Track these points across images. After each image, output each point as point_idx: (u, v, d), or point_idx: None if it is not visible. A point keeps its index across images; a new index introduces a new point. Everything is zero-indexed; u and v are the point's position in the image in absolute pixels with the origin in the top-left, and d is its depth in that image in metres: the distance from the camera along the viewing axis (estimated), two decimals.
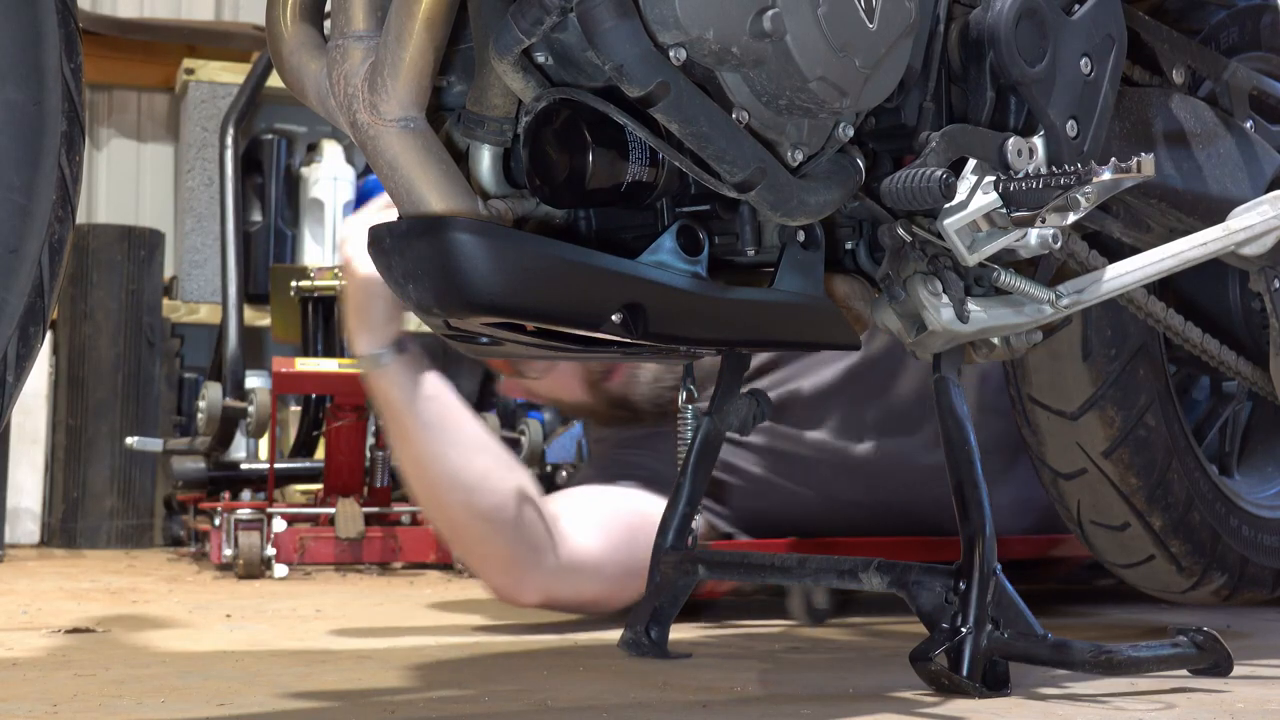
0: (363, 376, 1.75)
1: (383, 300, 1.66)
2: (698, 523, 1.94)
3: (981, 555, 1.37)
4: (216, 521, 2.82)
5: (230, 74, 4.00)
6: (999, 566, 1.38)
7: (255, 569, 2.69)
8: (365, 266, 1.59)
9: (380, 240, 1.19)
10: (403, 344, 1.71)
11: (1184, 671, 1.43)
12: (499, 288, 1.17)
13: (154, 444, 3.05)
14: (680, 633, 1.76)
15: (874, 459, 2.11)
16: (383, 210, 1.62)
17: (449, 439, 1.73)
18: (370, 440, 2.84)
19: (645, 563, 1.83)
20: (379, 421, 3.06)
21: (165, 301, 3.89)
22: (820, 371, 2.13)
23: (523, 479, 1.79)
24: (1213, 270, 1.92)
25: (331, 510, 2.79)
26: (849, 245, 1.46)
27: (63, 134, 1.01)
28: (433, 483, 1.76)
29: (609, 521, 1.90)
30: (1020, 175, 1.37)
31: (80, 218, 1.84)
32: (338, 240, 1.68)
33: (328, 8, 1.26)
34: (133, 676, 1.50)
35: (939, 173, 1.30)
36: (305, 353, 3.04)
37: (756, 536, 2.05)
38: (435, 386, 1.72)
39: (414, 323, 1.77)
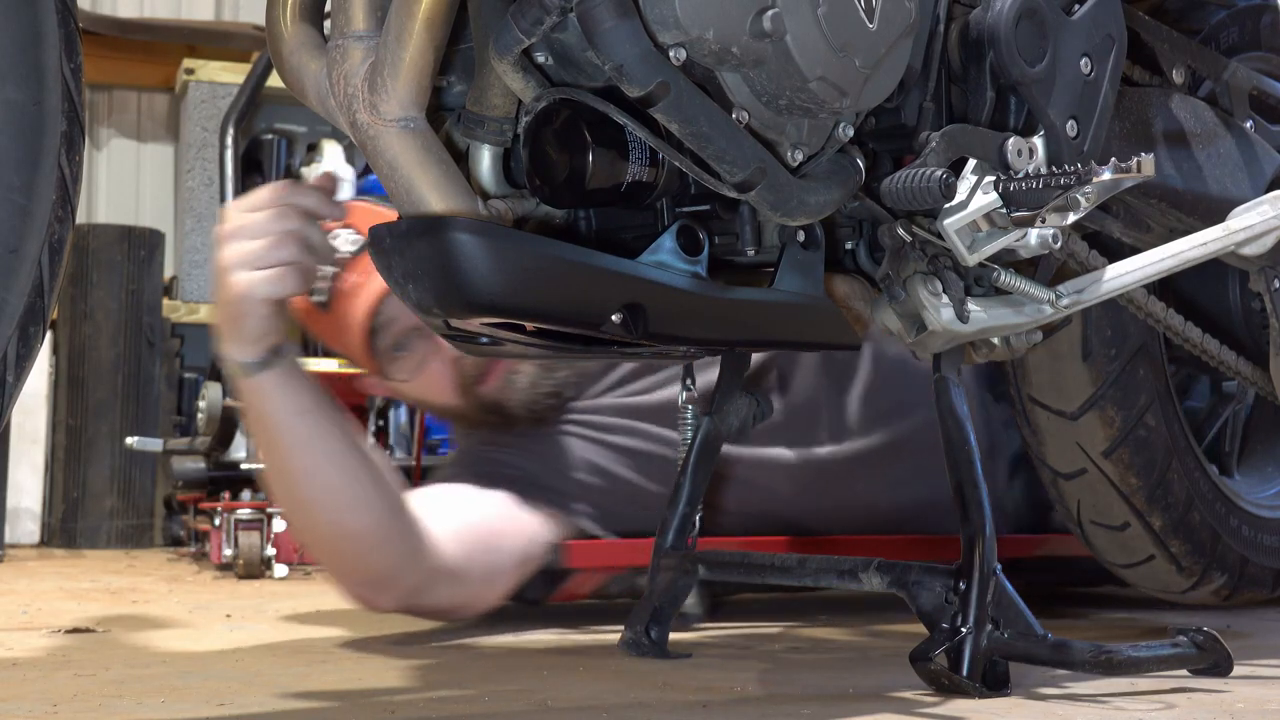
0: (238, 382, 1.64)
1: (258, 303, 1.54)
2: (560, 525, 1.93)
3: (981, 555, 1.37)
4: (216, 521, 2.82)
5: (230, 74, 4.00)
6: (999, 566, 1.38)
7: (255, 569, 2.69)
8: (238, 266, 1.50)
9: (380, 240, 1.19)
10: (279, 352, 1.59)
11: (1184, 671, 1.43)
12: (499, 288, 1.17)
13: (154, 444, 3.05)
14: (680, 633, 1.76)
15: (748, 465, 2.07)
16: (248, 207, 1.53)
17: (321, 458, 1.63)
18: (370, 440, 2.84)
19: (507, 568, 1.85)
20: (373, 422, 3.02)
21: (165, 301, 3.89)
22: (707, 374, 2.09)
23: (396, 495, 1.71)
24: (1213, 270, 1.92)
25: None
26: (849, 245, 1.46)
27: (63, 134, 1.01)
28: (300, 501, 1.67)
29: (473, 526, 1.84)
30: (1020, 175, 1.37)
31: (80, 218, 1.85)
32: (214, 237, 1.59)
33: (328, 8, 1.26)
34: (133, 676, 1.50)
35: (939, 173, 1.30)
36: (305, 353, 3.04)
37: (626, 538, 1.99)
38: (311, 400, 1.62)
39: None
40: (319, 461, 1.63)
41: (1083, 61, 1.45)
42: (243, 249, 1.52)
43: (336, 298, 1.92)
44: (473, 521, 1.85)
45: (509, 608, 2.14)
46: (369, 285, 1.90)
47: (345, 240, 1.93)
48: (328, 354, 2.11)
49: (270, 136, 4.00)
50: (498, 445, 2.03)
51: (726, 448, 1.99)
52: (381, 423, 3.12)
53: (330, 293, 1.93)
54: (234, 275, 1.52)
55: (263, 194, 1.58)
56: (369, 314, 1.90)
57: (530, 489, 1.93)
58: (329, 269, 1.90)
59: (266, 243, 1.53)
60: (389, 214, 1.96)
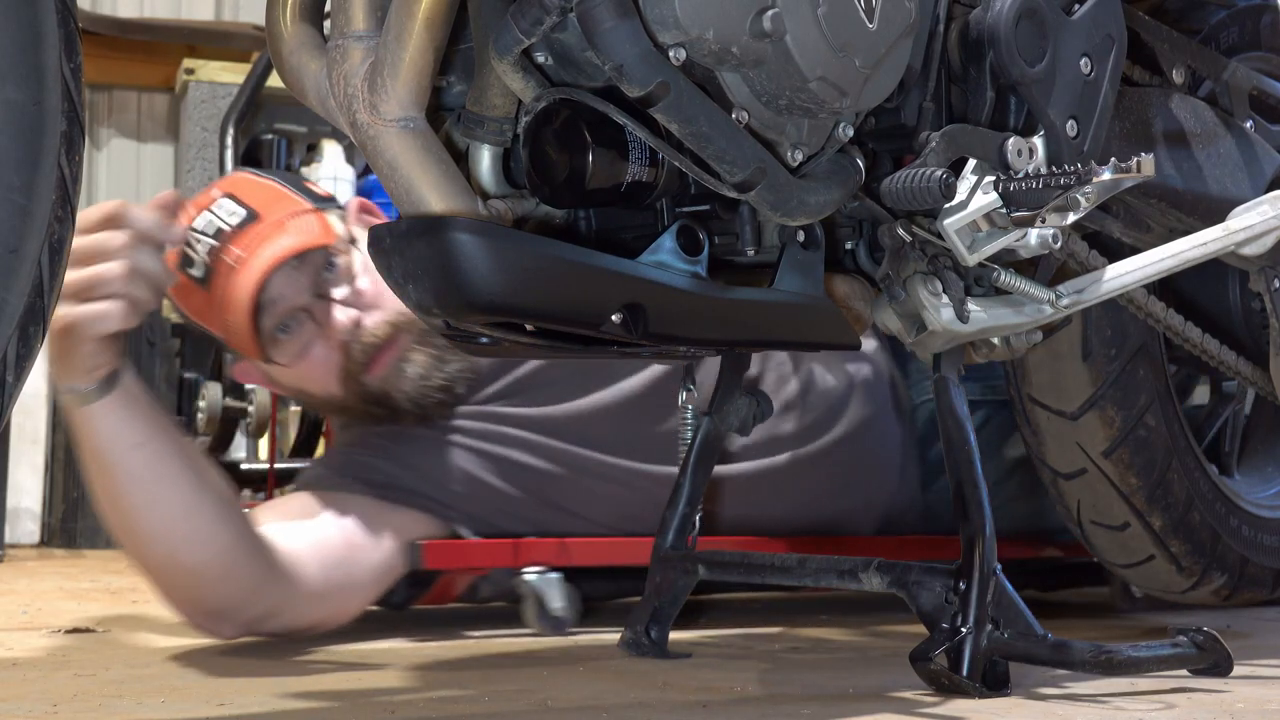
0: (68, 412, 1.57)
1: (93, 326, 1.46)
2: (428, 529, 1.86)
3: (981, 555, 1.37)
4: None
5: (230, 74, 4.00)
6: (999, 566, 1.38)
7: None
8: (63, 296, 1.37)
9: (380, 240, 1.19)
10: (112, 381, 1.53)
11: (1184, 671, 1.43)
12: (499, 288, 1.17)
13: None
14: (680, 633, 1.76)
15: (662, 483, 1.98)
16: (79, 228, 1.41)
17: (157, 492, 1.59)
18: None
19: (366, 581, 1.80)
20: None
21: (165, 301, 3.88)
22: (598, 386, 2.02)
23: (240, 524, 1.66)
24: (1213, 270, 1.92)
25: None
26: (849, 245, 1.46)
27: (63, 134, 1.01)
28: (135, 535, 1.63)
29: (329, 541, 1.78)
30: (1020, 175, 1.37)
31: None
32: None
33: (328, 8, 1.26)
34: (133, 676, 1.50)
35: (939, 173, 1.30)
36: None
37: (485, 537, 1.93)
38: (147, 430, 1.56)
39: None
40: (155, 495, 1.58)
41: (1083, 61, 1.45)
42: (69, 277, 1.43)
43: (217, 272, 1.83)
44: (328, 536, 1.78)
45: (485, 610, 2.15)
46: (255, 259, 1.81)
47: (226, 212, 1.85)
48: (204, 334, 1.93)
49: (270, 136, 3.99)
50: (367, 448, 1.93)
51: (641, 465, 1.97)
52: None
53: (209, 267, 1.83)
54: (59, 306, 1.39)
55: (94, 214, 1.51)
56: (256, 290, 1.80)
57: (398, 493, 1.87)
58: (209, 240, 1.83)
59: (93, 273, 1.48)
60: (269, 184, 1.89)
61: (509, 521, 1.93)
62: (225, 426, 2.94)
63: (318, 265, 1.86)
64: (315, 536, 1.78)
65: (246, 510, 1.79)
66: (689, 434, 1.68)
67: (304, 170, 4.02)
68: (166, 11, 4.53)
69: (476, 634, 1.86)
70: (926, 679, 1.35)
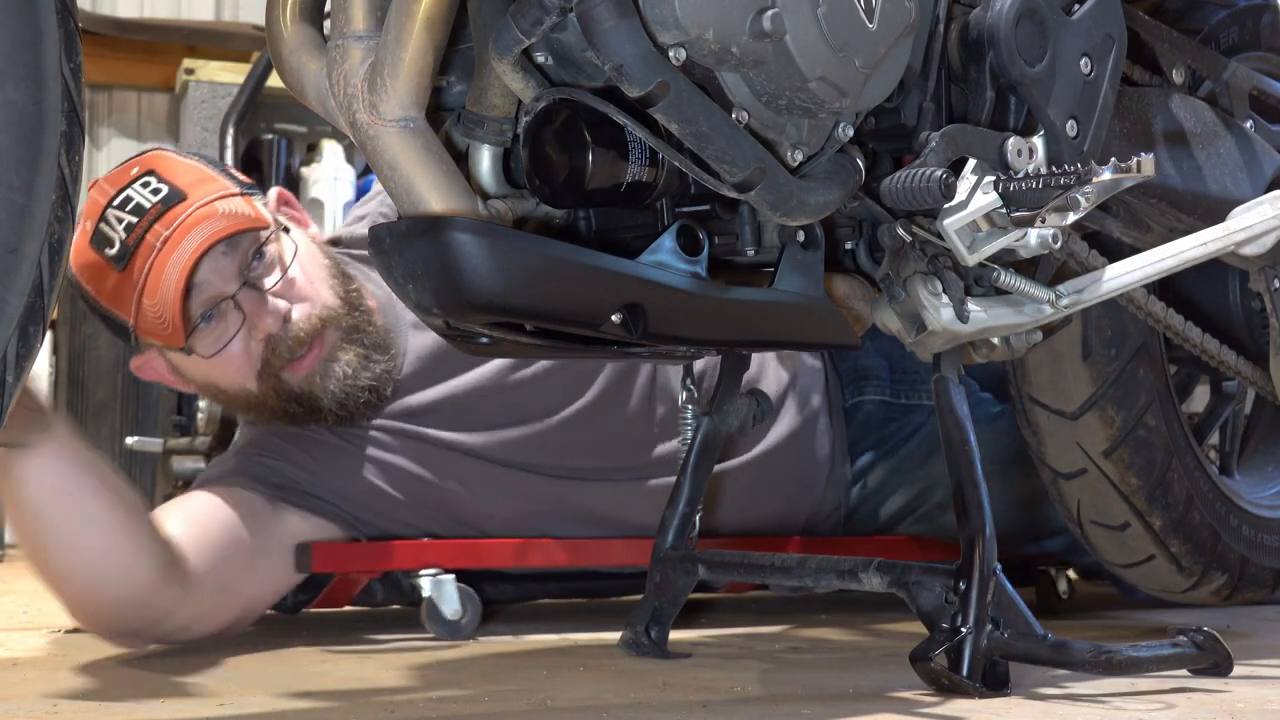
0: None
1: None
2: (325, 533, 1.81)
3: (981, 555, 1.37)
4: None
5: (230, 74, 3.99)
6: (999, 566, 1.38)
7: None
8: None
9: (380, 240, 1.19)
10: (47, 428, 1.51)
11: (1184, 671, 1.43)
12: (499, 288, 1.16)
13: (154, 444, 3.05)
14: (680, 633, 1.76)
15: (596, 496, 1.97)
16: None
17: (81, 536, 1.56)
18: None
19: (255, 580, 1.76)
20: None
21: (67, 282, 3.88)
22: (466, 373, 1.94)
23: (153, 551, 1.63)
24: (1213, 270, 1.92)
25: None
26: (849, 245, 1.46)
27: (62, 134, 1.01)
28: (54, 571, 1.62)
29: (214, 540, 1.73)
30: (1020, 175, 1.37)
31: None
32: None
33: (328, 8, 1.26)
34: (132, 676, 1.50)
35: (939, 173, 1.30)
36: None
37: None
38: (77, 476, 1.55)
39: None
40: (79, 539, 1.56)
41: (1083, 61, 1.45)
42: None
43: (138, 253, 1.72)
44: (218, 533, 1.73)
45: (516, 607, 2.15)
46: (186, 240, 1.71)
47: (149, 190, 1.74)
48: (107, 320, 1.82)
49: (270, 136, 3.99)
50: (267, 450, 1.86)
51: (550, 480, 1.92)
52: None
53: (128, 247, 1.72)
54: None
55: None
56: (186, 272, 1.70)
57: (294, 495, 1.82)
58: (129, 219, 1.73)
59: None
60: (193, 163, 1.80)
61: (400, 528, 1.88)
62: (225, 427, 2.94)
63: (246, 252, 1.77)
64: (204, 534, 1.72)
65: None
66: (689, 434, 1.68)
67: (304, 170, 4.03)
68: (166, 11, 4.53)
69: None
70: (926, 679, 1.35)
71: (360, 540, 1.86)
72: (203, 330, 1.76)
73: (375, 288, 1.91)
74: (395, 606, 2.09)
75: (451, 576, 1.82)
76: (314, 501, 1.84)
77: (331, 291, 1.83)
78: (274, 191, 1.91)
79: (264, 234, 1.78)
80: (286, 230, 1.82)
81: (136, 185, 1.75)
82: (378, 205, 2.08)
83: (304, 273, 1.81)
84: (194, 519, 1.75)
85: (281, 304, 1.78)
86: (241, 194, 1.80)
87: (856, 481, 2.13)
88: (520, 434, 1.92)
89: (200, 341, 1.77)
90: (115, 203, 1.75)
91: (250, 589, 1.78)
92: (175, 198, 1.74)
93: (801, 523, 2.09)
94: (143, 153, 1.84)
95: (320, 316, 1.80)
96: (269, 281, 1.77)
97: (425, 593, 1.81)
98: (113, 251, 1.73)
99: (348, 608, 2.07)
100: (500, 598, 2.08)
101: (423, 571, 1.82)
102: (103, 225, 1.75)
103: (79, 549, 1.59)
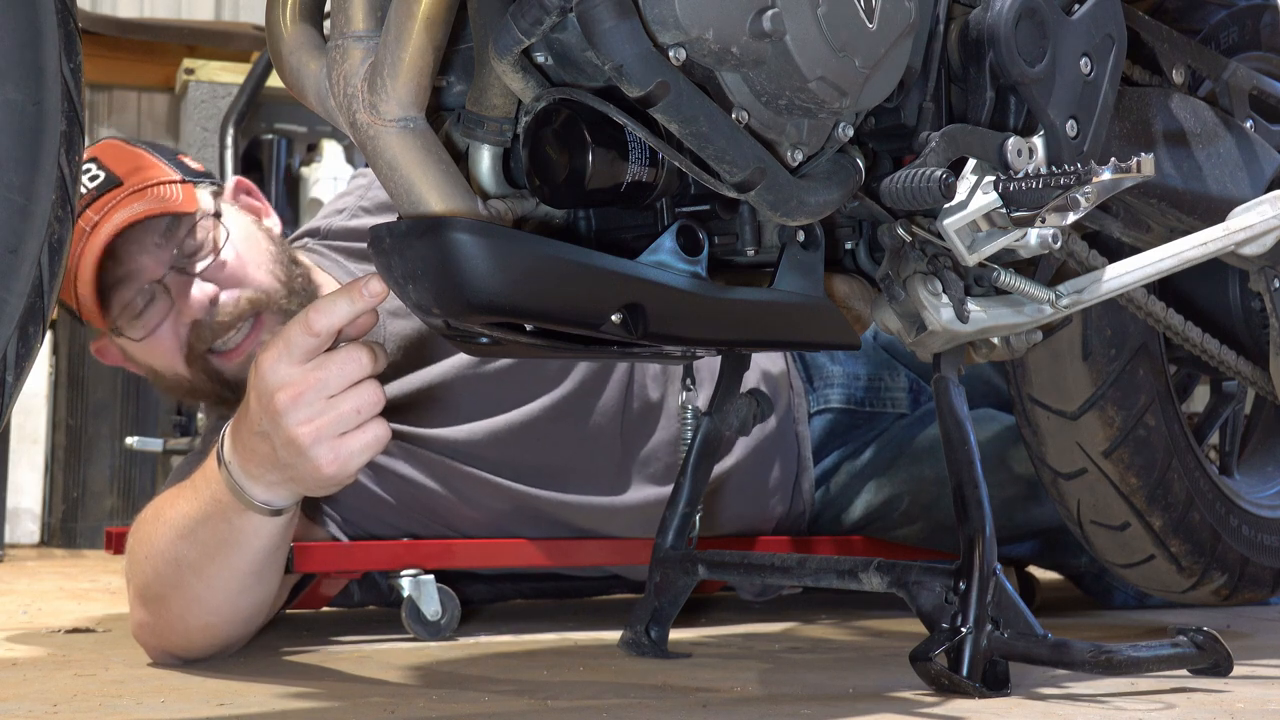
0: (238, 514, 1.47)
1: (370, 454, 1.36)
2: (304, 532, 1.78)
3: (981, 555, 1.37)
4: None
5: (230, 74, 4.00)
6: (999, 566, 1.38)
7: None
8: (335, 425, 1.32)
9: (380, 240, 1.19)
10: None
11: (1184, 671, 1.43)
12: (499, 288, 1.16)
13: (154, 444, 3.05)
14: (680, 633, 1.76)
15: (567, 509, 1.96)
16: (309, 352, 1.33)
17: (247, 580, 1.53)
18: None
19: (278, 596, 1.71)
20: None
21: None
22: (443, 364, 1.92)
23: (268, 612, 1.62)
24: (1213, 270, 1.92)
25: None
26: (849, 245, 1.46)
27: (62, 134, 1.01)
28: (191, 600, 1.55)
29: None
30: (1020, 175, 1.37)
31: None
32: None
33: (328, 8, 1.26)
34: (133, 676, 1.50)
35: (939, 173, 1.30)
36: None
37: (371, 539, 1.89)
38: (288, 535, 1.52)
39: None
40: (245, 583, 1.52)
41: (1082, 61, 1.45)
42: (333, 411, 1.32)
43: (74, 239, 1.68)
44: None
45: (504, 608, 2.15)
46: (106, 224, 1.73)
47: (88, 177, 1.77)
48: (64, 306, 1.84)
49: (270, 136, 4.00)
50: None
51: (524, 487, 1.91)
52: None
53: None
54: (320, 448, 1.31)
55: (323, 322, 1.31)
56: (99, 255, 1.73)
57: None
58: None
59: (360, 402, 1.33)
60: (137, 151, 1.81)
61: (383, 529, 1.88)
62: None
63: (178, 237, 1.78)
64: None
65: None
66: (689, 434, 1.68)
67: (304, 170, 4.03)
68: (166, 11, 4.53)
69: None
70: (926, 679, 1.35)
71: (333, 535, 1.86)
72: (134, 314, 1.79)
73: (345, 276, 1.90)
74: (372, 607, 2.09)
75: (431, 577, 1.83)
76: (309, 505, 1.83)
77: (271, 276, 1.84)
78: (232, 180, 1.93)
79: (196, 218, 1.79)
80: (218, 215, 1.82)
81: (86, 172, 1.79)
82: (356, 200, 2.08)
83: (237, 257, 1.81)
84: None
85: (209, 288, 1.79)
86: (182, 181, 1.81)
87: (820, 486, 2.14)
88: (496, 426, 1.91)
89: (132, 326, 1.80)
90: None
91: (277, 598, 1.73)
92: (109, 184, 1.78)
93: (770, 529, 2.10)
94: (96, 143, 1.87)
95: (251, 299, 1.81)
96: (198, 265, 1.79)
97: (405, 593, 1.81)
98: None
99: (325, 609, 2.07)
100: (475, 598, 2.08)
101: (403, 572, 1.83)
102: None
103: (237, 591, 1.54)
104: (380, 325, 1.88)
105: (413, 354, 1.91)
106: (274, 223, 1.94)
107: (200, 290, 1.78)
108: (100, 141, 1.87)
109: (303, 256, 1.93)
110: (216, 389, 1.84)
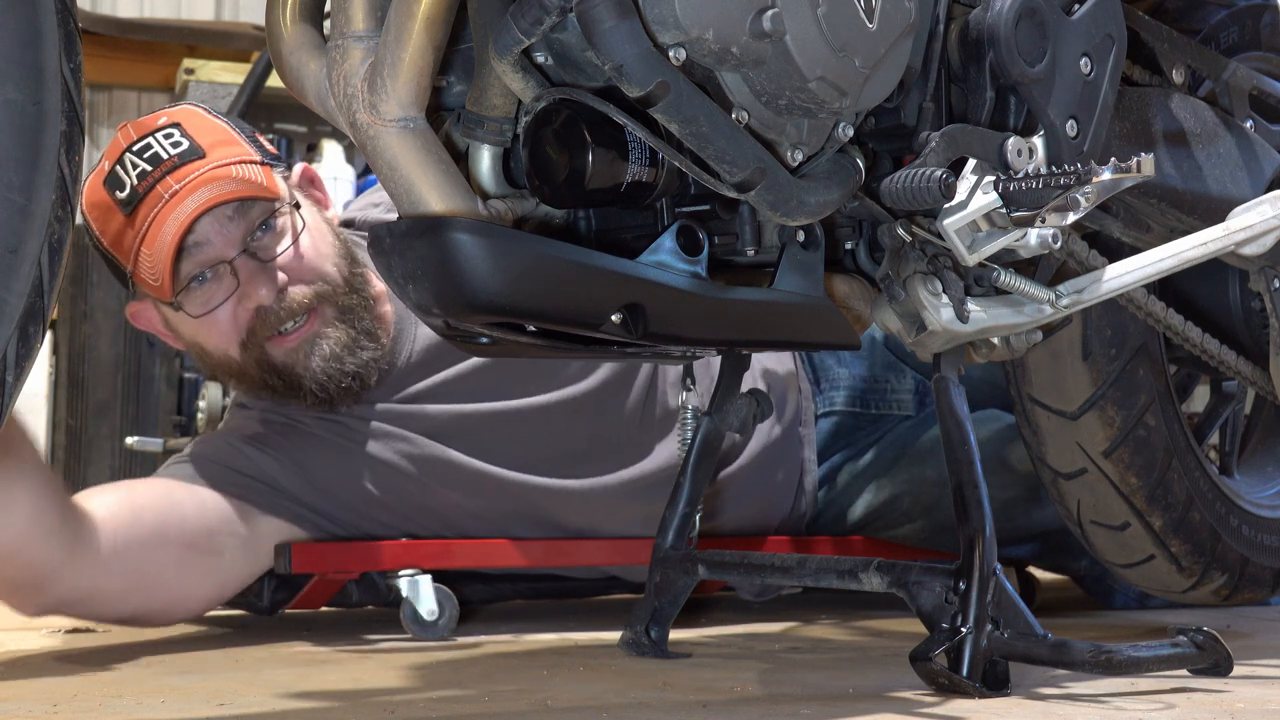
0: None
1: None
2: (295, 531, 1.80)
3: (981, 555, 1.37)
4: None
5: (230, 74, 4.00)
6: (999, 566, 1.38)
7: None
8: None
9: (380, 240, 1.19)
10: None
11: (1184, 671, 1.43)
12: (499, 288, 1.17)
13: (154, 444, 3.05)
14: (680, 633, 1.76)
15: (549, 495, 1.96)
16: None
17: None
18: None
19: (164, 577, 1.73)
20: None
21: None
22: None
23: (19, 511, 1.57)
24: (1213, 270, 1.92)
25: None
26: (849, 245, 1.46)
27: (62, 134, 1.01)
28: None
29: (139, 516, 1.71)
30: (1020, 175, 1.37)
31: (80, 218, 1.77)
32: None
33: (328, 8, 1.26)
34: (133, 676, 1.50)
35: (939, 173, 1.30)
36: None
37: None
38: None
39: None
40: None
41: (1083, 61, 1.45)
42: None
43: (145, 201, 1.74)
44: (144, 518, 1.71)
45: (503, 608, 2.15)
46: (192, 197, 1.72)
47: (171, 142, 1.76)
48: (108, 260, 1.83)
49: (270, 136, 4.00)
50: (255, 440, 1.84)
51: (521, 476, 1.91)
52: None
53: (138, 193, 1.74)
54: None
55: None
56: (184, 228, 1.72)
57: (268, 495, 1.81)
58: (144, 166, 1.74)
59: None
60: (220, 124, 1.81)
61: (385, 531, 1.88)
62: None
63: (254, 220, 1.77)
64: (132, 517, 1.70)
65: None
66: (689, 434, 1.68)
67: None
68: (166, 11, 4.53)
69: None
70: (926, 679, 1.35)
71: (335, 541, 1.86)
72: (195, 289, 1.78)
73: None
74: (370, 607, 2.09)
75: (429, 577, 1.82)
76: (284, 502, 1.82)
77: (335, 270, 1.84)
78: (299, 167, 1.92)
79: (276, 205, 1.79)
80: (298, 206, 1.82)
81: (159, 135, 1.77)
82: None
83: (310, 249, 1.81)
84: (130, 501, 1.73)
85: (280, 276, 1.79)
86: (262, 163, 1.80)
87: (823, 485, 2.14)
88: (510, 408, 1.92)
89: (191, 300, 1.78)
90: (135, 148, 1.77)
91: (175, 585, 1.75)
92: (192, 154, 1.77)
93: (772, 530, 2.10)
94: (176, 104, 1.86)
95: (317, 293, 1.81)
96: (272, 252, 1.78)
97: (403, 593, 1.81)
98: (123, 195, 1.76)
99: (323, 609, 2.07)
100: (473, 598, 2.08)
101: (401, 572, 1.82)
102: (118, 168, 1.77)
103: None
104: (411, 327, 1.91)
105: (442, 354, 1.91)
106: (335, 214, 1.94)
107: (273, 278, 1.78)
108: (182, 106, 1.85)
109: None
110: (263, 375, 1.83)
